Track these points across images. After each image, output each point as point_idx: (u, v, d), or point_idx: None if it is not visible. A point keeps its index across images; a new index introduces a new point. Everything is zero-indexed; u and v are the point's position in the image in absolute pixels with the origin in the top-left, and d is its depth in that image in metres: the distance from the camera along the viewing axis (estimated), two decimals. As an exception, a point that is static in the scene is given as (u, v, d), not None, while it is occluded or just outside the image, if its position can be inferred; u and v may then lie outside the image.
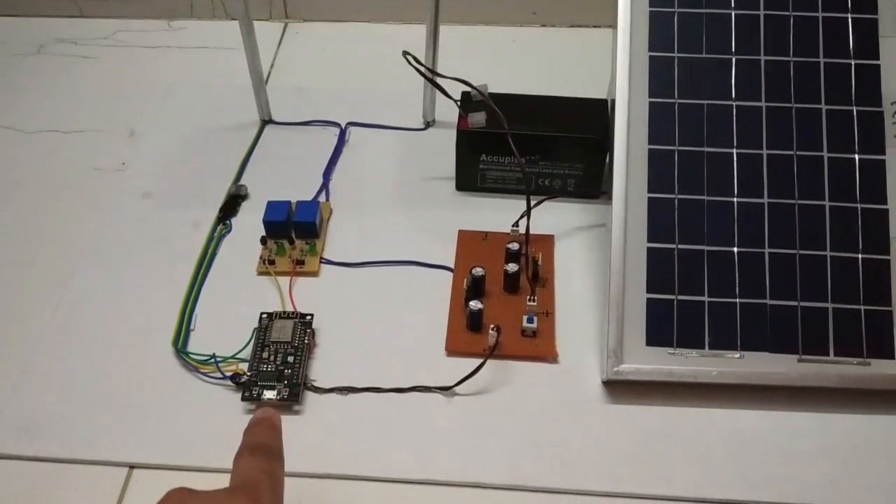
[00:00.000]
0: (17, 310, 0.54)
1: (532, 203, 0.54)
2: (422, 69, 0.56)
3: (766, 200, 0.49)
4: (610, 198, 0.50)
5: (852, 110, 0.50)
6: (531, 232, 0.54)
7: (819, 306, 0.48)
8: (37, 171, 0.64)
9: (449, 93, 0.56)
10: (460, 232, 0.57)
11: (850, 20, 0.51)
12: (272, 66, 0.74)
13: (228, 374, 0.49)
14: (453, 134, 0.58)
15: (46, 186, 0.63)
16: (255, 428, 0.40)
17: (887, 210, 0.49)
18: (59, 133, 0.67)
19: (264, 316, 0.52)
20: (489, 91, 0.56)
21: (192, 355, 0.50)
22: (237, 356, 0.50)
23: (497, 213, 0.57)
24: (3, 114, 0.69)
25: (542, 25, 0.78)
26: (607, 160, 0.56)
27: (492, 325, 0.50)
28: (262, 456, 0.38)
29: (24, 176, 0.64)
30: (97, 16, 0.79)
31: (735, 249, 0.49)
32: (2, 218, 0.60)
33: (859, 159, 0.50)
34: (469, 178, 0.60)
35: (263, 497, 0.35)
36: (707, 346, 0.48)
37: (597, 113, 0.57)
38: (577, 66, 0.72)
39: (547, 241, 0.57)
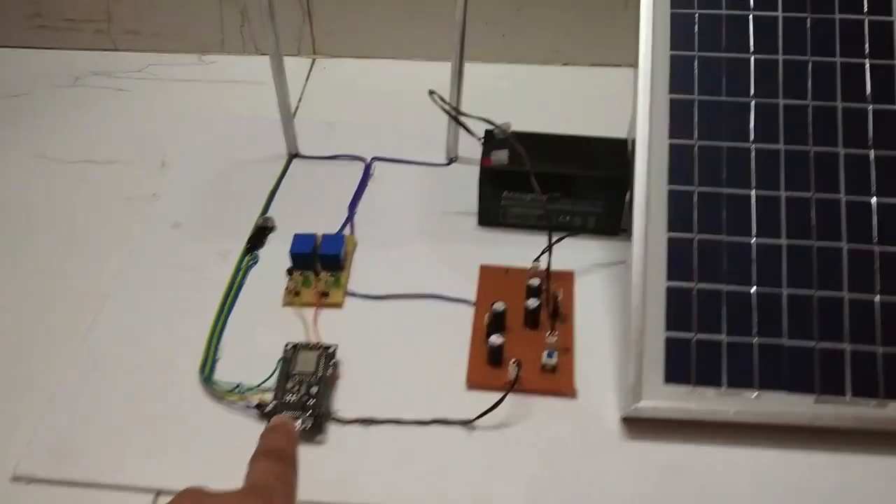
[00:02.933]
0: (49, 336, 0.56)
1: (553, 239, 0.55)
2: (446, 107, 0.58)
3: (784, 241, 0.50)
4: (630, 235, 0.51)
5: (869, 154, 0.51)
6: (552, 268, 0.55)
7: (836, 347, 0.48)
8: (71, 199, 0.66)
9: (472, 130, 0.57)
10: (482, 267, 0.58)
11: (867, 66, 0.52)
12: (300, 100, 0.76)
13: (253, 403, 0.50)
14: (476, 170, 0.59)
15: (80, 215, 0.64)
16: (270, 433, 0.40)
17: (904, 253, 0.50)
18: (93, 163, 0.69)
19: (289, 347, 0.53)
20: (512, 129, 0.57)
21: (218, 384, 0.51)
22: (262, 386, 0.51)
23: (518, 249, 0.58)
24: (41, 143, 0.71)
25: (564, 64, 0.79)
26: (627, 198, 0.57)
27: (512, 360, 0.51)
28: (276, 460, 0.38)
29: (58, 204, 0.65)
30: (131, 49, 0.82)
31: (753, 289, 0.50)
32: (36, 245, 0.62)
33: (876, 202, 0.50)
34: (491, 214, 0.61)
35: (276, 500, 0.36)
36: (725, 385, 0.48)
37: (616, 152, 0.58)
38: (598, 104, 0.73)
39: (567, 277, 0.58)
